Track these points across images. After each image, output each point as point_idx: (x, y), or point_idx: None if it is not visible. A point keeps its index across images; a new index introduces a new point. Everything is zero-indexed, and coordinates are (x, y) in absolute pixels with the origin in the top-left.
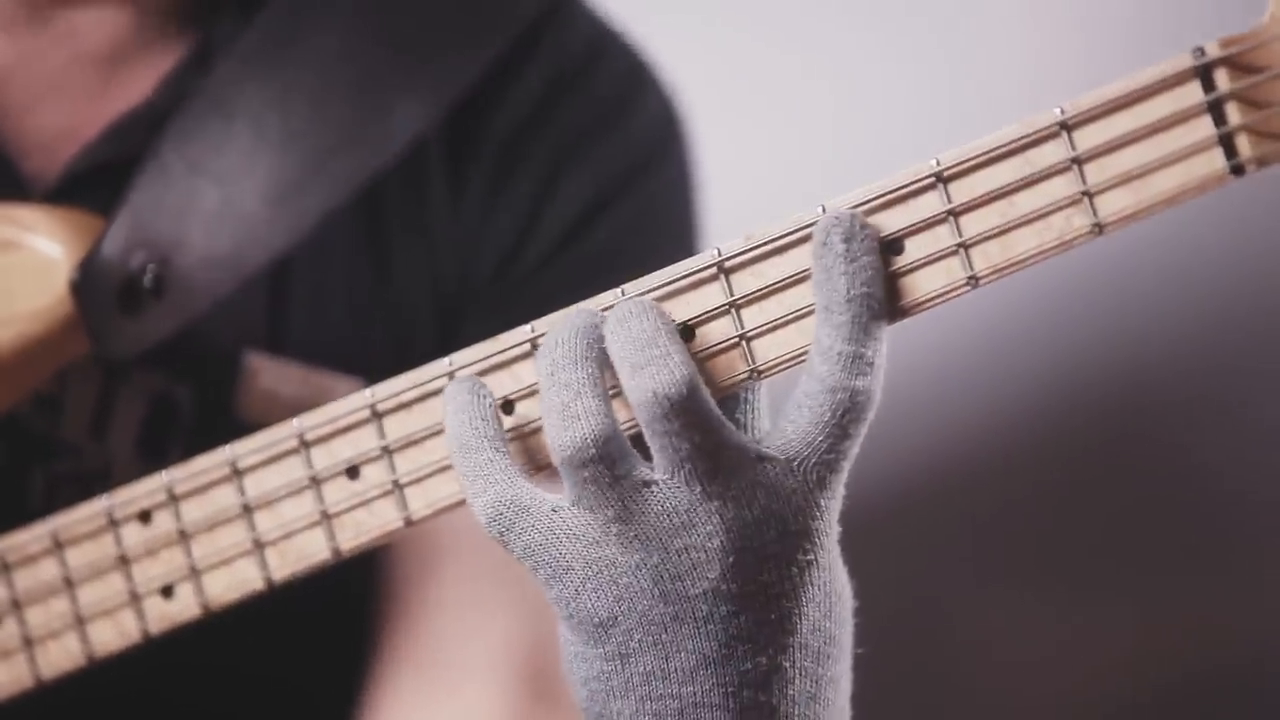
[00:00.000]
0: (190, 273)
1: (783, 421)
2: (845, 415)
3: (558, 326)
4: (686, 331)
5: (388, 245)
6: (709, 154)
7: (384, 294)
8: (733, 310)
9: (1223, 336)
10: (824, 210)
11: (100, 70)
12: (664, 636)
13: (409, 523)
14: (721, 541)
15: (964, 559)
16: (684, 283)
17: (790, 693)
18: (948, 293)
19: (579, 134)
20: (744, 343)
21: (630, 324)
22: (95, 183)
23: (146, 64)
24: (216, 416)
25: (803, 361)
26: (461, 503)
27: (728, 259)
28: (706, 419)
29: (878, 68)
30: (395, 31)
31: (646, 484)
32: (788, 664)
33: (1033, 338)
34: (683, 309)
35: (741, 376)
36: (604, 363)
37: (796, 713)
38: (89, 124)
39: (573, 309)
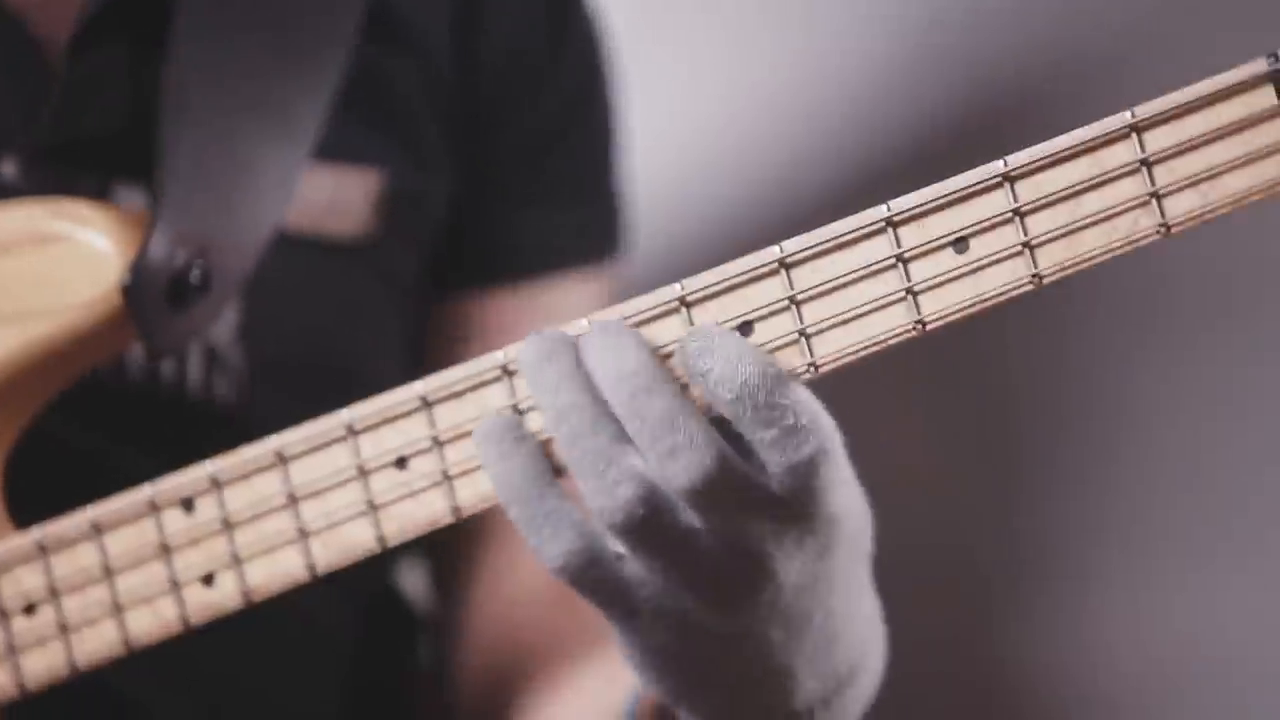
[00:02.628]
0: (226, 259)
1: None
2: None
3: (560, 399)
4: (745, 327)
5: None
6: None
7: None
8: (793, 306)
9: (1230, 333)
10: (889, 209)
11: None
12: (727, 650)
13: (458, 514)
14: (769, 567)
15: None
16: (745, 277)
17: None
18: (1010, 291)
19: None
20: (803, 339)
21: (647, 402)
22: (106, 34)
23: None
24: None
25: (860, 356)
26: None
27: (789, 255)
28: (740, 488)
29: (924, 72)
30: None
31: (694, 530)
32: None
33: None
34: (741, 304)
35: (800, 373)
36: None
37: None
38: None
39: (552, 374)
